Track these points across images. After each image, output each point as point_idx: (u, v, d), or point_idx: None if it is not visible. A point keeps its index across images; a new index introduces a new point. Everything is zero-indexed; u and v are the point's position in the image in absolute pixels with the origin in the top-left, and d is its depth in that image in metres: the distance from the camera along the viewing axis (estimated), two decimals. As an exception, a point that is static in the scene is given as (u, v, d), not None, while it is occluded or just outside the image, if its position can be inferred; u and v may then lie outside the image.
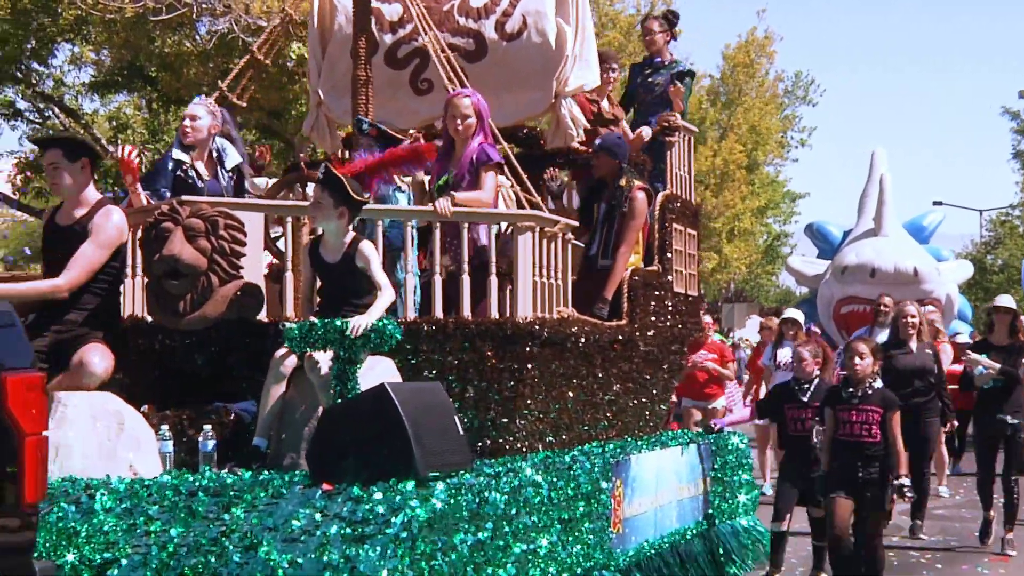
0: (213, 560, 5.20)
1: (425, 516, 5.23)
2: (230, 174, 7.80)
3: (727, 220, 37.36)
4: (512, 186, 8.63)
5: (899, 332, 11.18)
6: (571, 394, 7.73)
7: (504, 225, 7.83)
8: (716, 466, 9.45)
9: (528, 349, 7.13)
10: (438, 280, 7.18)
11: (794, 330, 13.45)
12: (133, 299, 7.09)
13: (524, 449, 7.19)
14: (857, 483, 8.30)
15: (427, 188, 7.94)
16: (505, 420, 7.08)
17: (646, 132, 9.69)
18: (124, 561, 5.28)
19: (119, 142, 24.77)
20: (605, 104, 9.93)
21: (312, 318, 6.42)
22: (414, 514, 5.19)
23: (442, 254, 7.31)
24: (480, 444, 6.97)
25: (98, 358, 6.27)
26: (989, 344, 11.18)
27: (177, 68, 21.09)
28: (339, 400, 6.13)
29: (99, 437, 6.02)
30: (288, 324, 6.39)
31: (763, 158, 40.47)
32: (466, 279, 7.19)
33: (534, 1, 9.03)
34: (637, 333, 8.65)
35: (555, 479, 6.51)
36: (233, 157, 7.82)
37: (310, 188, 7.72)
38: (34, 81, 25.43)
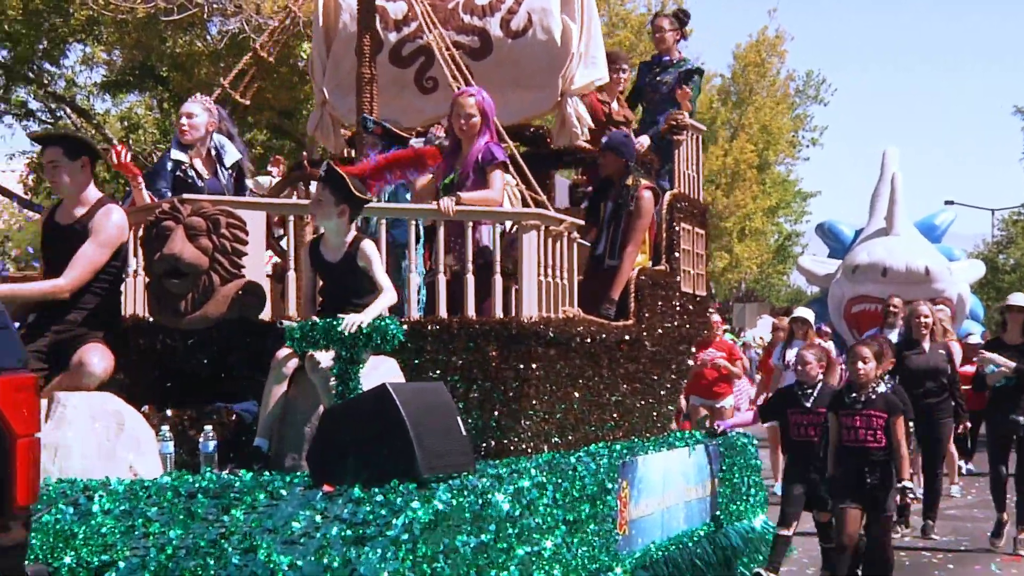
0: (212, 562, 5.13)
1: (426, 518, 5.16)
2: (229, 171, 7.75)
3: (738, 220, 37.29)
4: (517, 184, 8.56)
5: (912, 332, 11.10)
6: (577, 395, 7.66)
7: (509, 224, 7.77)
8: (724, 468, 9.38)
9: (533, 349, 7.06)
10: (442, 279, 7.12)
11: (804, 329, 13.37)
12: (134, 298, 7.04)
13: (529, 450, 7.12)
14: (864, 489, 8.23)
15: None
16: (510, 421, 7.01)
17: (644, 140, 9.58)
18: (122, 564, 5.20)
19: (131, 144, 24.76)
20: (615, 106, 9.87)
21: (313, 318, 6.36)
22: (415, 516, 5.12)
23: (446, 253, 7.24)
24: (485, 445, 6.90)
25: (98, 358, 6.24)
26: (1002, 343, 11.12)
27: (188, 68, 21.16)
28: (340, 400, 6.07)
29: (98, 437, 5.98)
30: (288, 323, 6.32)
31: (774, 157, 40.41)
32: (470, 278, 7.13)
33: (540, -1, 8.99)
34: (644, 333, 8.57)
35: (560, 480, 6.44)
36: (232, 154, 7.78)
37: (314, 187, 7.66)
38: (46, 81, 25.50)
